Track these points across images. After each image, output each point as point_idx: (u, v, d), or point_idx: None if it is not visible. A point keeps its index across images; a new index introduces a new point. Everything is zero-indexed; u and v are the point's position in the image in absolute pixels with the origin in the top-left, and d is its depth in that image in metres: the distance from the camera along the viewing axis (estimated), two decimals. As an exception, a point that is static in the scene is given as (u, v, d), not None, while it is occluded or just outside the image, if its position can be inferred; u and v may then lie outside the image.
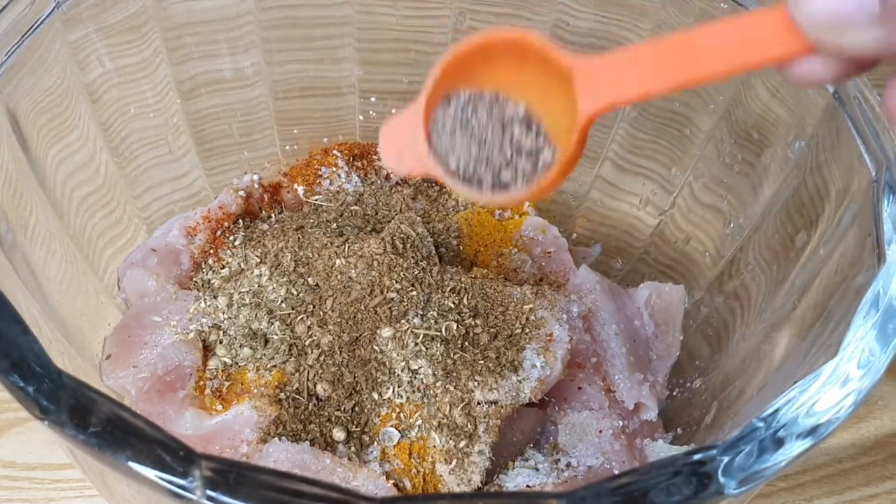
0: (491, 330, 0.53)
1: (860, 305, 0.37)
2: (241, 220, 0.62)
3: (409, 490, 0.48)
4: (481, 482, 0.48)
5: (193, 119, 0.64)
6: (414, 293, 0.53)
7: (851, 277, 0.43)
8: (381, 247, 0.54)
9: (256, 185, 0.66)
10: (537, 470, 0.50)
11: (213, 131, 0.66)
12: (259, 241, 0.59)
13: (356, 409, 0.51)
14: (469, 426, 0.49)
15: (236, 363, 0.53)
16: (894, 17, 0.30)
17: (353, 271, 0.54)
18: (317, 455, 0.47)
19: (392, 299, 0.52)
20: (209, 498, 0.30)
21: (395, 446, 0.49)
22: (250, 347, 0.53)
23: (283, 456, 0.47)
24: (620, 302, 0.60)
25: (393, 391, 0.50)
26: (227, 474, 0.30)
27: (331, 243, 0.55)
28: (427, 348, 0.51)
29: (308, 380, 0.51)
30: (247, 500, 0.30)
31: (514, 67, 0.43)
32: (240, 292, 0.55)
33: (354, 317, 0.52)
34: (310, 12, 0.64)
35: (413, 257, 0.54)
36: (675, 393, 0.60)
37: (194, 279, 0.58)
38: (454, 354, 0.51)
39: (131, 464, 0.31)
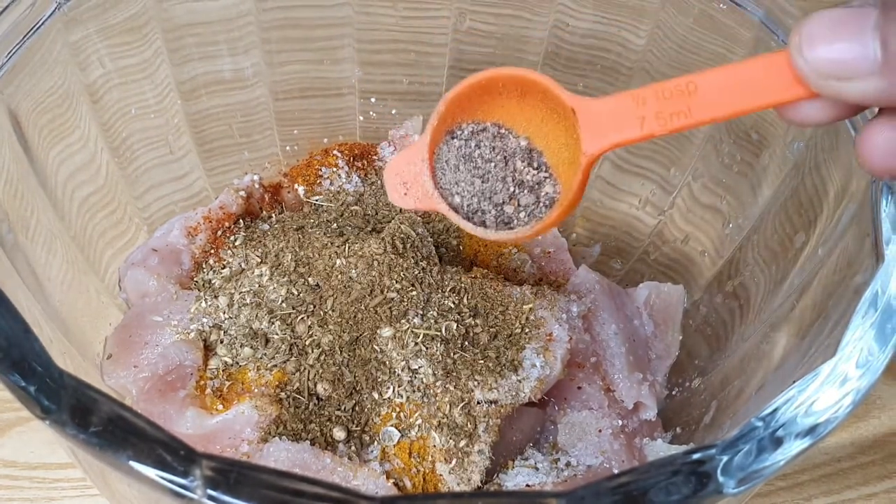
0: (491, 330, 0.53)
1: (859, 305, 0.37)
2: (241, 221, 0.62)
3: (409, 489, 0.49)
4: (481, 481, 0.49)
5: (194, 120, 0.64)
6: (414, 293, 0.53)
7: (850, 277, 0.43)
8: (381, 247, 0.54)
9: (257, 186, 0.66)
10: (537, 469, 0.50)
11: (214, 132, 0.66)
12: (260, 241, 0.59)
13: (356, 408, 0.51)
14: (469, 426, 0.49)
15: (237, 363, 0.53)
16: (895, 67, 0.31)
17: (353, 271, 0.54)
18: (317, 454, 0.47)
19: (392, 299, 0.52)
20: (210, 497, 0.30)
21: (395, 446, 0.50)
22: (251, 347, 0.53)
23: (283, 455, 0.47)
24: (620, 302, 0.60)
25: (393, 391, 0.51)
26: (228, 474, 0.30)
27: (331, 243, 0.55)
28: (427, 348, 0.51)
29: (308, 379, 0.51)
30: (247, 499, 0.30)
31: (516, 100, 0.43)
32: (240, 292, 0.55)
33: (355, 316, 0.52)
34: (310, 13, 0.64)
35: (413, 257, 0.54)
36: (674, 392, 0.60)
37: (195, 279, 0.58)
38: (454, 354, 0.51)
39: (132, 463, 0.31)
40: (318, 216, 0.62)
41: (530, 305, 0.54)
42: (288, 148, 0.69)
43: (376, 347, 0.52)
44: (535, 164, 0.44)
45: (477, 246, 0.62)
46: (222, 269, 0.58)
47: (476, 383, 0.50)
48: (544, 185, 0.44)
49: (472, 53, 0.66)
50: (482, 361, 0.51)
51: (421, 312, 0.52)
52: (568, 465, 0.52)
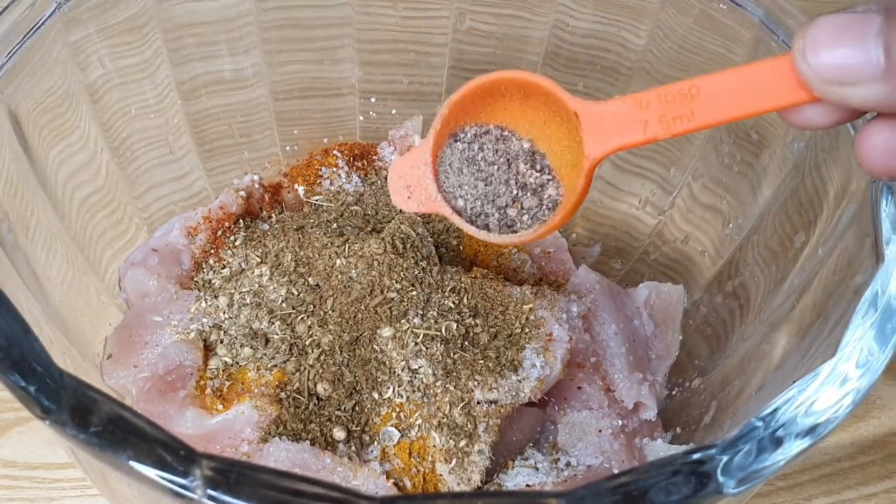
0: (491, 330, 0.53)
1: (859, 305, 0.37)
2: (241, 221, 0.62)
3: (409, 489, 0.49)
4: (481, 481, 0.49)
5: (194, 120, 0.64)
6: (414, 293, 0.53)
7: (850, 277, 0.43)
8: (381, 247, 0.54)
9: (257, 186, 0.66)
10: (537, 469, 0.50)
11: (214, 132, 0.66)
12: (260, 241, 0.59)
13: (356, 408, 0.51)
14: (469, 426, 0.49)
15: (237, 363, 0.53)
16: None
17: (353, 271, 0.54)
18: (317, 454, 0.47)
19: (392, 299, 0.52)
20: (210, 497, 0.30)
21: (395, 446, 0.50)
22: (251, 347, 0.53)
23: (283, 455, 0.47)
24: (620, 302, 0.60)
25: (393, 391, 0.51)
26: (228, 473, 0.30)
27: (331, 243, 0.55)
28: (427, 348, 0.51)
29: (308, 379, 0.51)
30: (247, 499, 0.30)
31: (519, 102, 0.44)
32: (240, 292, 0.55)
33: (355, 316, 0.52)
34: (310, 13, 0.64)
35: (413, 257, 0.54)
36: (674, 392, 0.60)
37: (195, 279, 0.58)
38: (454, 354, 0.51)
39: (132, 463, 0.31)
40: (318, 216, 0.62)
41: (530, 305, 0.54)
42: (288, 148, 0.69)
43: (376, 347, 0.52)
44: (538, 167, 0.44)
45: (477, 246, 0.62)
46: (222, 269, 0.58)
47: (476, 383, 0.50)
48: (547, 187, 0.44)
49: (472, 53, 0.66)
50: (482, 361, 0.51)
51: (421, 312, 0.52)
52: (568, 465, 0.52)
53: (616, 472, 0.47)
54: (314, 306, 0.54)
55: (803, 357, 0.43)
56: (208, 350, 0.54)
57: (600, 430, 0.53)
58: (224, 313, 0.55)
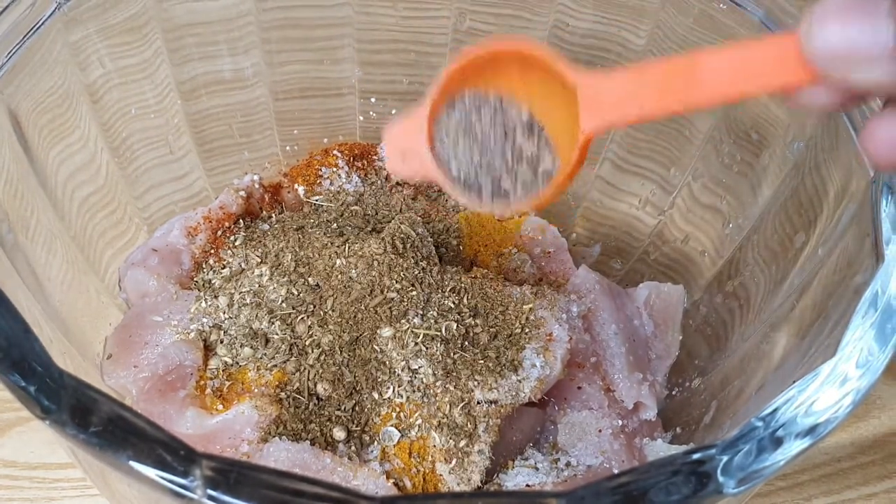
0: (491, 330, 0.53)
1: (859, 305, 0.37)
2: (241, 221, 0.62)
3: (409, 489, 0.49)
4: (481, 481, 0.49)
5: (194, 120, 0.64)
6: (414, 293, 0.53)
7: (850, 277, 0.43)
8: (381, 247, 0.54)
9: (257, 186, 0.66)
10: (537, 469, 0.50)
11: (214, 132, 0.66)
12: (260, 241, 0.59)
13: (356, 408, 0.51)
14: (469, 426, 0.49)
15: (237, 363, 0.53)
16: None
17: (353, 271, 0.54)
18: (317, 454, 0.47)
19: (392, 299, 0.52)
20: (210, 497, 0.30)
21: (395, 446, 0.50)
22: (251, 347, 0.53)
23: (283, 455, 0.47)
24: (620, 302, 0.60)
25: (393, 391, 0.51)
26: (228, 473, 0.30)
27: (331, 243, 0.56)
28: (427, 348, 0.51)
29: (308, 379, 0.51)
30: (247, 499, 0.30)
31: (518, 72, 0.43)
32: (240, 292, 0.55)
33: (355, 316, 0.52)
34: (310, 13, 0.64)
35: (413, 257, 0.54)
36: (674, 392, 0.60)
37: (195, 279, 0.58)
38: (454, 354, 0.51)
39: (132, 463, 0.31)
40: (318, 216, 0.62)
41: (530, 305, 0.54)
42: (288, 148, 0.69)
43: (376, 347, 0.52)
44: (536, 138, 0.43)
45: (477, 246, 0.62)
46: (222, 269, 0.58)
47: (476, 383, 0.50)
48: (543, 160, 0.43)
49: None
50: (482, 361, 0.51)
51: (421, 312, 0.52)
52: (568, 465, 0.52)
53: (616, 472, 0.47)
54: (314, 306, 0.54)
55: (803, 357, 0.43)
56: (208, 350, 0.54)
57: (600, 430, 0.53)
58: (224, 313, 0.55)
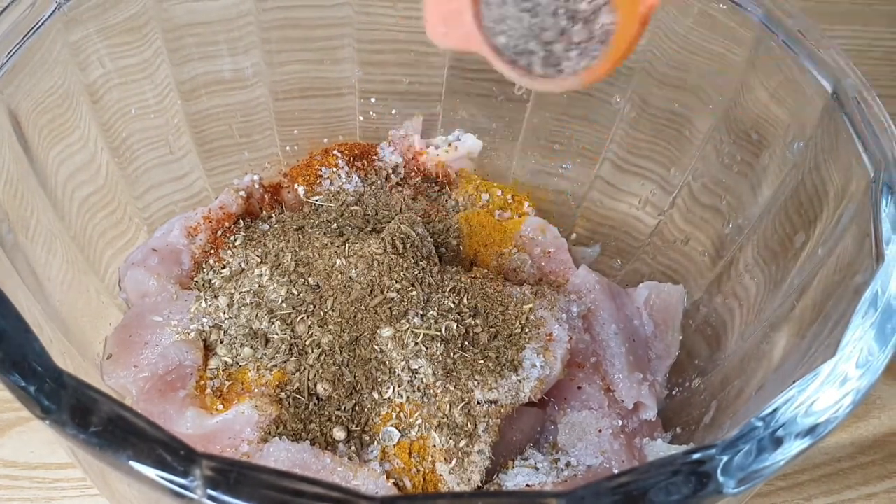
0: (491, 330, 0.53)
1: (859, 305, 0.37)
2: (241, 221, 0.62)
3: (409, 489, 0.49)
4: (481, 481, 0.49)
5: (194, 120, 0.64)
6: (414, 293, 0.53)
7: (850, 277, 0.43)
8: (381, 247, 0.54)
9: (257, 186, 0.66)
10: (537, 469, 0.50)
11: (214, 132, 0.66)
12: (260, 241, 0.59)
13: (356, 408, 0.51)
14: (469, 426, 0.49)
15: (237, 363, 0.53)
16: None
17: (353, 271, 0.54)
18: (317, 454, 0.47)
19: (392, 299, 0.52)
20: (210, 497, 0.30)
21: (395, 446, 0.50)
22: (251, 347, 0.53)
23: (283, 455, 0.47)
24: (620, 302, 0.60)
25: (393, 391, 0.51)
26: (228, 474, 0.30)
27: (331, 243, 0.56)
28: (427, 348, 0.51)
29: (308, 379, 0.51)
30: (247, 499, 0.30)
31: None
32: (240, 292, 0.55)
33: (355, 316, 0.52)
34: (310, 13, 0.64)
35: (413, 257, 0.54)
36: (674, 392, 0.60)
37: (195, 279, 0.58)
38: (454, 354, 0.51)
39: (132, 463, 0.31)
40: (318, 216, 0.62)
41: (530, 305, 0.54)
42: (288, 148, 0.69)
43: (376, 347, 0.52)
44: None
45: (477, 246, 0.62)
46: (222, 269, 0.58)
47: (476, 383, 0.50)
48: (601, 14, 0.39)
49: (472, 53, 0.66)
50: (482, 361, 0.51)
51: (421, 312, 0.52)
52: (568, 465, 0.52)
53: (616, 472, 0.47)
54: (314, 306, 0.54)
55: (803, 357, 0.43)
56: (208, 350, 0.54)
57: (600, 430, 0.53)
58: (224, 313, 0.55)
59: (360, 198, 0.65)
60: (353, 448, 0.49)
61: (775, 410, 0.34)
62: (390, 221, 0.58)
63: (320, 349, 0.52)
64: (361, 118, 0.70)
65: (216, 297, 0.56)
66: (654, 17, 0.59)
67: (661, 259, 0.66)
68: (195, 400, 0.52)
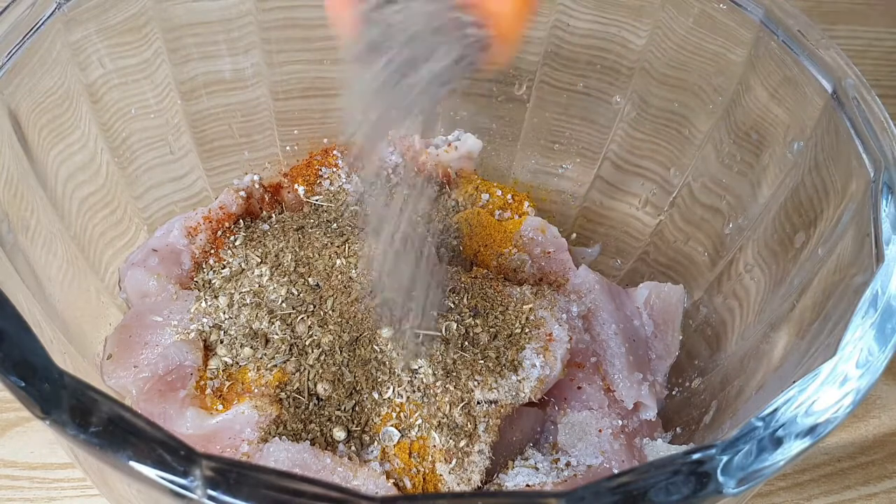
0: (491, 330, 0.53)
1: (859, 305, 0.37)
2: (241, 221, 0.62)
3: (410, 489, 0.49)
4: (481, 481, 0.49)
5: (194, 120, 0.64)
6: (414, 293, 0.53)
7: (850, 277, 0.43)
8: (381, 247, 0.54)
9: (257, 186, 0.66)
10: (537, 469, 0.50)
11: (214, 132, 0.66)
12: (260, 242, 0.59)
13: (356, 408, 0.51)
14: (469, 425, 0.49)
15: (237, 363, 0.53)
16: None
17: (353, 271, 0.54)
18: (317, 454, 0.47)
19: (392, 299, 0.52)
20: (210, 497, 0.30)
21: (395, 446, 0.50)
22: (251, 347, 0.53)
23: (283, 455, 0.47)
24: (620, 302, 0.60)
25: (393, 391, 0.51)
26: (228, 474, 0.30)
27: (331, 243, 0.56)
28: (427, 348, 0.51)
29: (308, 379, 0.51)
30: (247, 499, 0.30)
31: None
32: (240, 292, 0.55)
33: (355, 317, 0.52)
34: (310, 13, 0.64)
35: (413, 257, 0.54)
36: (674, 392, 0.60)
37: (195, 279, 0.58)
38: (454, 354, 0.51)
39: (132, 463, 0.31)
40: (318, 216, 0.62)
41: (530, 305, 0.54)
42: (288, 148, 0.69)
43: (376, 347, 0.52)
44: None
45: (477, 246, 0.62)
46: (222, 269, 0.58)
47: (476, 383, 0.50)
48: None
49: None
50: (482, 361, 0.51)
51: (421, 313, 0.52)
52: (568, 465, 0.52)
53: (616, 472, 0.47)
54: (314, 306, 0.54)
55: (803, 357, 0.43)
56: (208, 350, 0.54)
57: (600, 430, 0.53)
58: (224, 313, 0.55)
59: (360, 198, 0.65)
60: (353, 448, 0.49)
61: (775, 410, 0.34)
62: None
63: (320, 349, 0.52)
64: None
65: (216, 297, 0.56)
66: (655, 17, 0.59)
67: (661, 259, 0.66)
68: (195, 400, 0.52)
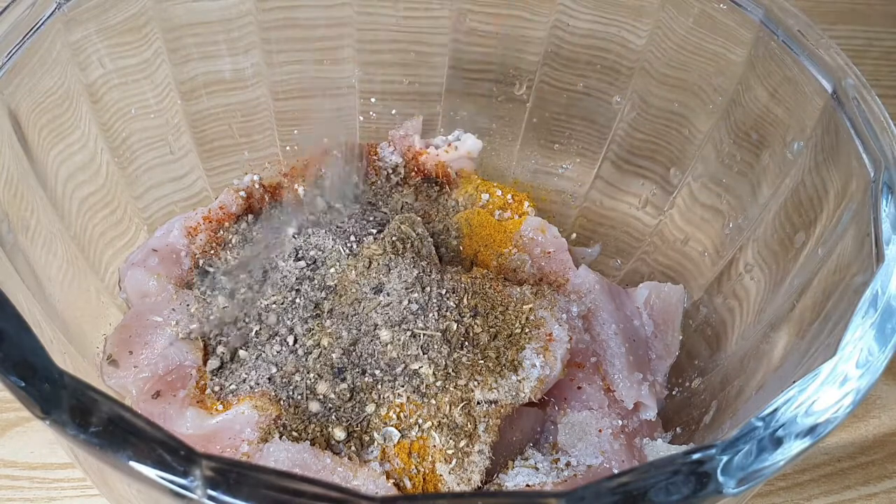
0: (491, 330, 0.53)
1: (859, 305, 0.37)
2: (241, 220, 0.62)
3: (409, 489, 0.49)
4: (481, 481, 0.49)
5: (194, 120, 0.64)
6: (414, 293, 0.53)
7: (850, 277, 0.43)
8: (380, 247, 0.54)
9: (257, 186, 0.66)
10: (537, 469, 0.50)
11: (214, 132, 0.66)
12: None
13: (356, 408, 0.51)
14: (469, 425, 0.49)
15: (237, 363, 0.53)
16: None
17: (353, 271, 0.54)
18: (317, 454, 0.47)
19: (392, 299, 0.52)
20: (210, 497, 0.30)
21: (395, 446, 0.50)
22: (251, 347, 0.53)
23: (283, 455, 0.47)
24: (620, 302, 0.60)
25: (393, 391, 0.50)
26: (228, 474, 0.30)
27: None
28: (427, 348, 0.51)
29: (308, 380, 0.51)
30: (247, 499, 0.30)
31: None
32: (240, 292, 0.55)
33: (355, 317, 0.52)
34: (310, 13, 0.64)
35: (413, 257, 0.54)
36: (674, 392, 0.60)
37: (195, 279, 0.58)
38: (454, 354, 0.51)
39: (132, 463, 0.31)
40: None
41: (530, 305, 0.54)
42: (288, 148, 0.69)
43: (376, 348, 0.51)
44: None
45: (477, 246, 0.62)
46: (222, 268, 0.58)
47: (476, 383, 0.50)
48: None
49: (472, 53, 0.66)
50: (482, 361, 0.51)
51: (421, 313, 0.52)
52: (568, 465, 0.52)
53: (616, 471, 0.47)
54: (314, 306, 0.53)
55: (803, 357, 0.43)
56: (208, 350, 0.54)
57: (600, 430, 0.53)
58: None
59: (360, 198, 0.65)
60: (353, 448, 0.49)
61: (775, 410, 0.34)
62: (390, 221, 0.58)
63: (320, 349, 0.52)
64: (361, 118, 0.70)
65: (216, 297, 0.55)
66: (655, 17, 0.59)
67: (661, 259, 0.66)
68: (195, 400, 0.52)
